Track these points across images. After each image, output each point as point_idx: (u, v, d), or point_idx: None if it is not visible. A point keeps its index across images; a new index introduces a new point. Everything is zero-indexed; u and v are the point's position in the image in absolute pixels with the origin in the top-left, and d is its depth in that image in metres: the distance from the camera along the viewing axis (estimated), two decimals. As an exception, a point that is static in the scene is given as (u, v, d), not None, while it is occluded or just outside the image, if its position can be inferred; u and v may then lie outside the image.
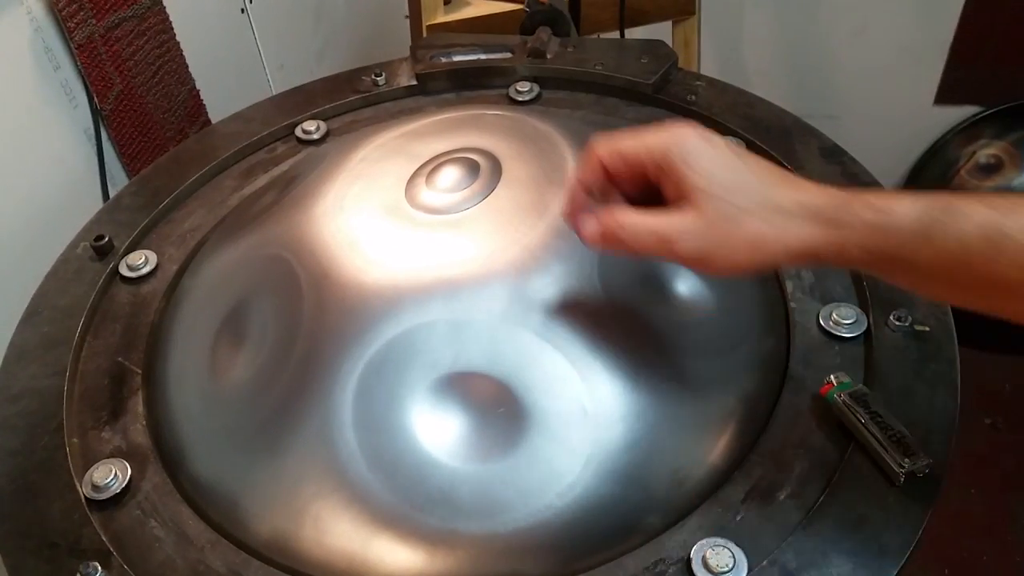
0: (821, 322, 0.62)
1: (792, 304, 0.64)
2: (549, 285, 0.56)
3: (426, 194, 0.62)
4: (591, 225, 0.49)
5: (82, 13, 0.85)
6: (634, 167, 0.48)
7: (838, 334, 0.61)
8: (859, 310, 0.62)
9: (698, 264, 0.47)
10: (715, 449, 0.55)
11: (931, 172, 1.64)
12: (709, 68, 1.46)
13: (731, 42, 1.62)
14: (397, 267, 0.57)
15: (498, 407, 0.52)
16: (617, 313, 0.56)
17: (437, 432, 0.52)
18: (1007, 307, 0.42)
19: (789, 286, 0.65)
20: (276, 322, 0.58)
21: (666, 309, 0.58)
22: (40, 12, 0.82)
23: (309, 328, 0.56)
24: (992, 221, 0.41)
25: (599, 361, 0.54)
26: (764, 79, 1.64)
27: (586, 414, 0.52)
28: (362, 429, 0.52)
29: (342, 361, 0.54)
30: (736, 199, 0.45)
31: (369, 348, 0.54)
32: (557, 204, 0.60)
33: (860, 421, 0.53)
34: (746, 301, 0.62)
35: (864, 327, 0.61)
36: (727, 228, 0.45)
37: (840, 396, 0.55)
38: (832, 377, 0.56)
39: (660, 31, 1.31)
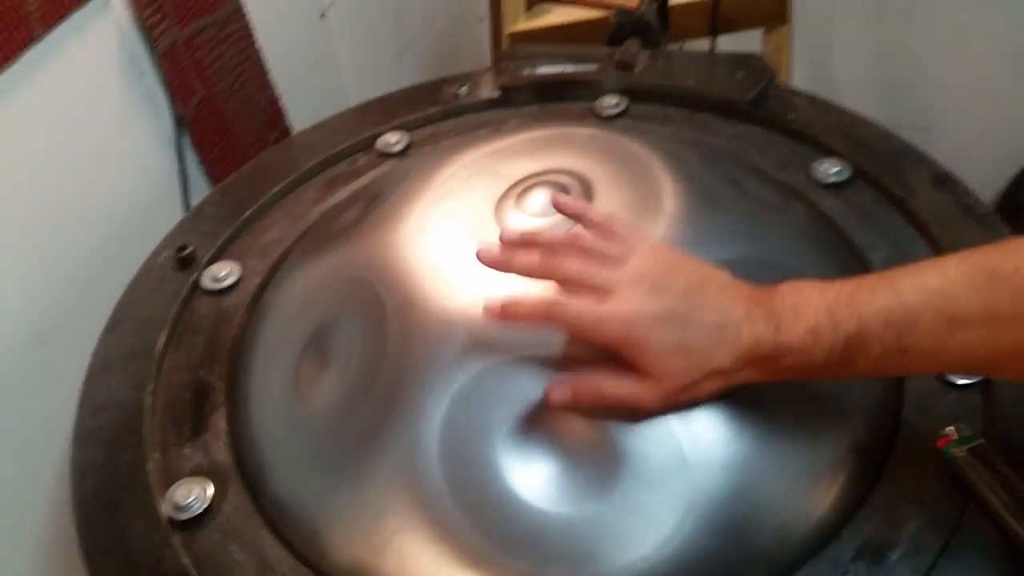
0: (935, 366, 0.58)
1: (901, 344, 0.60)
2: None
3: (516, 218, 0.60)
4: (564, 392, 0.51)
5: (166, 21, 0.85)
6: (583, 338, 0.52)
7: (954, 380, 0.57)
8: None
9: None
10: (823, 502, 0.51)
11: (1030, 189, 1.57)
12: (796, 76, 1.41)
13: (819, 49, 1.56)
14: (486, 295, 0.55)
15: (591, 448, 0.50)
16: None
17: (526, 471, 0.50)
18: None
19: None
20: (361, 347, 0.57)
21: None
22: (127, 21, 0.82)
23: (394, 356, 0.55)
24: (893, 340, 0.46)
25: (703, 406, 0.51)
26: (853, 87, 1.58)
27: (686, 460, 0.49)
28: (449, 463, 0.51)
29: (428, 392, 0.52)
30: (691, 377, 0.50)
31: (456, 380, 0.52)
32: (654, 233, 0.57)
33: (982, 481, 0.49)
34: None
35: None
36: (686, 396, 0.51)
37: (959, 451, 0.51)
38: (950, 429, 0.53)
39: (749, 39, 1.26)
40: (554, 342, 0.53)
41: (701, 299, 0.50)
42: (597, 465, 0.50)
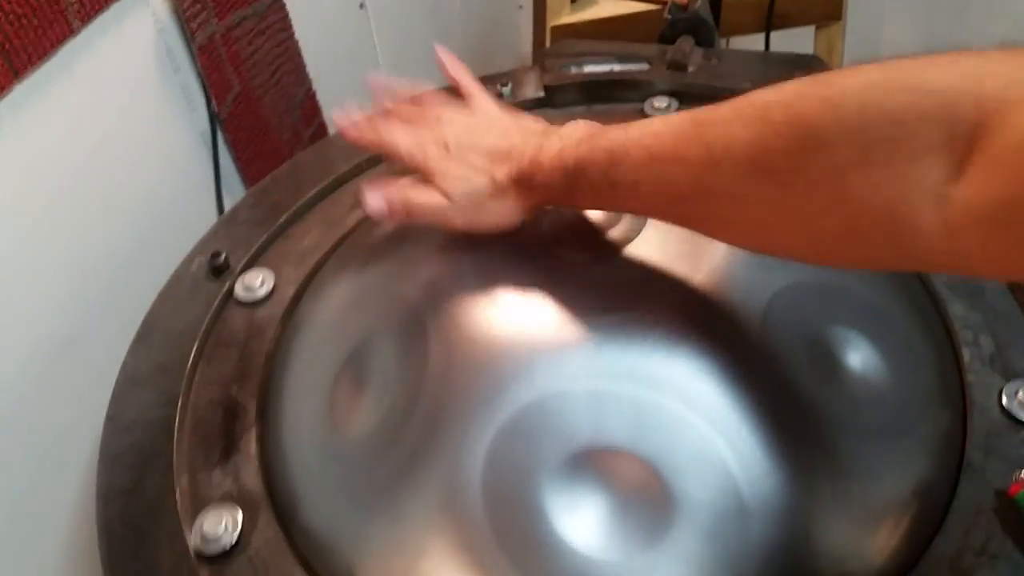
0: (1004, 402, 0.54)
1: (969, 377, 0.56)
2: (705, 352, 0.50)
3: (565, 234, 0.57)
4: (379, 202, 0.58)
5: (205, 12, 0.83)
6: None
7: (1022, 418, 0.54)
8: None
9: (468, 231, 0.58)
10: (885, 550, 0.48)
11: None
12: (845, 73, 1.36)
13: (869, 47, 1.51)
14: (532, 321, 0.52)
15: (643, 491, 0.47)
16: (781, 389, 0.50)
17: (573, 515, 0.47)
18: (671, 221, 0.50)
19: (966, 355, 0.57)
20: (400, 372, 0.54)
21: (835, 385, 0.51)
22: (164, 13, 0.79)
23: (435, 383, 0.52)
24: (605, 169, 0.49)
25: (760, 446, 0.48)
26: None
27: (744, 507, 0.46)
28: (492, 503, 0.48)
29: (470, 425, 0.50)
30: (475, 198, 0.56)
31: (501, 413, 0.49)
32: (714, 256, 0.54)
33: (1063, 535, 0.46)
34: (921, 374, 0.55)
35: (1057, 412, 0.53)
36: (479, 213, 0.56)
37: (1036, 501, 0.48)
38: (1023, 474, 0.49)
39: (801, 35, 1.22)
40: (607, 377, 0.50)
41: (486, 129, 0.59)
42: (650, 510, 0.47)
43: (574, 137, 0.53)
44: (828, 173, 0.39)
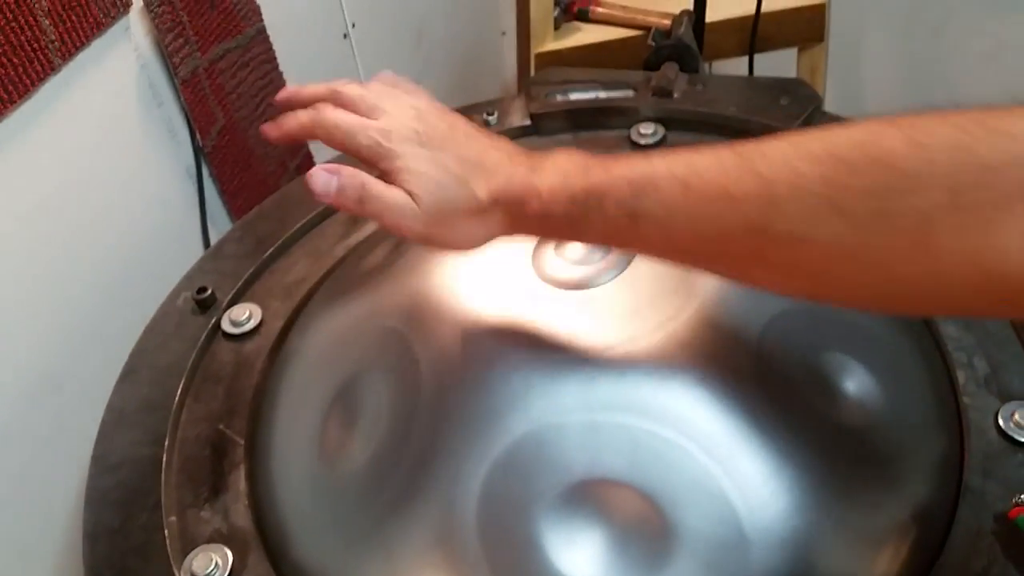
0: (1001, 424, 0.54)
1: (965, 399, 0.56)
2: (701, 381, 0.49)
3: (555, 264, 0.56)
4: (328, 179, 0.51)
5: (187, 47, 0.82)
6: (342, 151, 0.52)
7: (1020, 439, 0.53)
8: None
9: (423, 244, 0.52)
10: (886, 577, 0.48)
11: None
12: (827, 95, 1.37)
13: (850, 66, 1.52)
14: (524, 352, 0.52)
15: (642, 523, 0.46)
16: (777, 417, 0.49)
17: (571, 548, 0.46)
18: (685, 265, 0.47)
19: (960, 377, 0.57)
20: (391, 405, 0.53)
21: (832, 411, 0.51)
22: (146, 47, 0.79)
23: (428, 417, 0.51)
24: (628, 199, 0.45)
25: (758, 474, 0.47)
26: (885, 104, 1.54)
27: (744, 537, 0.46)
28: (488, 538, 0.47)
29: (465, 459, 0.49)
30: (447, 205, 0.49)
31: (495, 446, 0.49)
32: (705, 284, 0.54)
33: (1065, 558, 0.46)
34: (917, 397, 0.55)
35: (1053, 432, 0.53)
36: (444, 226, 0.50)
37: (1037, 524, 0.47)
38: (1023, 497, 0.49)
39: (784, 58, 1.23)
40: (603, 408, 0.49)
41: (465, 136, 0.51)
42: (649, 542, 0.46)
43: (577, 165, 0.48)
44: (914, 217, 0.36)
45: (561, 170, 0.48)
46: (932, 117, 0.37)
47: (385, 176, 0.50)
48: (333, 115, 0.51)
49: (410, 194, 0.49)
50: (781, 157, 0.40)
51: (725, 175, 0.42)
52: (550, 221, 0.48)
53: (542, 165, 0.49)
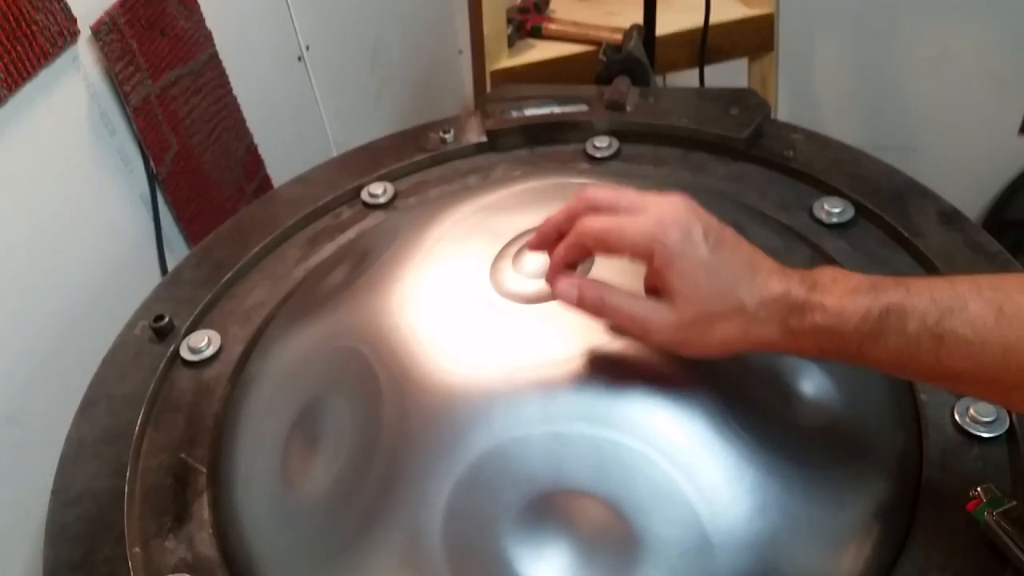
0: (956, 418, 0.55)
1: (922, 396, 0.57)
2: (661, 389, 0.50)
3: (513, 279, 0.57)
4: (570, 289, 0.50)
5: (138, 74, 0.82)
6: (613, 253, 0.49)
7: (976, 433, 0.54)
8: (999, 406, 0.55)
9: (667, 348, 0.49)
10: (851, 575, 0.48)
11: (1016, 206, 1.55)
12: (780, 103, 1.39)
13: (800, 74, 1.55)
14: (486, 367, 0.52)
15: (606, 532, 0.47)
16: (739, 421, 0.50)
17: (538, 561, 0.46)
18: (967, 391, 0.48)
19: (916, 373, 0.58)
20: (353, 426, 0.53)
21: (792, 413, 0.52)
22: (96, 77, 0.78)
23: (391, 437, 0.51)
24: (934, 318, 0.43)
25: (722, 479, 0.48)
26: (836, 110, 1.57)
27: (708, 541, 0.46)
28: (454, 556, 0.47)
29: (429, 477, 0.49)
30: (712, 306, 0.47)
31: (459, 463, 0.49)
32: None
33: (1019, 547, 0.46)
34: (874, 396, 0.56)
35: (1006, 426, 0.54)
36: (700, 330, 0.47)
37: (992, 515, 0.48)
38: (979, 490, 0.50)
39: (735, 68, 1.25)
40: (565, 419, 0.49)
41: (734, 240, 0.48)
42: (615, 550, 0.46)
43: (859, 280, 0.45)
44: None
45: (847, 285, 0.45)
46: None
47: (656, 274, 0.48)
48: (598, 224, 0.49)
49: (670, 293, 0.47)
50: None
51: None
52: (836, 336, 0.45)
53: (816, 280, 0.46)
